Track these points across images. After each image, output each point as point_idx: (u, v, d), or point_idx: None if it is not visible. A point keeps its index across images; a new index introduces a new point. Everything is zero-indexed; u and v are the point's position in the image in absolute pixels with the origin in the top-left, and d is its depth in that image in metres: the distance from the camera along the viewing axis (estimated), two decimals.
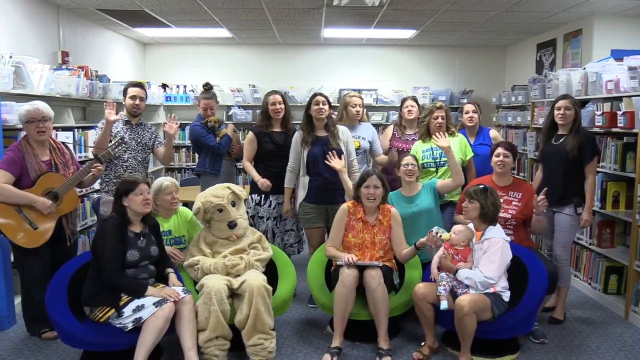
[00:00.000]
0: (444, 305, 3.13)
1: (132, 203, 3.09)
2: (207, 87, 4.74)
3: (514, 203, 3.64)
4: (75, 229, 3.77)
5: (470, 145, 4.26)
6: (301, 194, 4.01)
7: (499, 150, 3.68)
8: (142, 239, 3.14)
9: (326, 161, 3.81)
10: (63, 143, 3.82)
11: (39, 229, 3.40)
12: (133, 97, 4.07)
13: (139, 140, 4.13)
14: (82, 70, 5.20)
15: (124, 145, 3.75)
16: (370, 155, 4.43)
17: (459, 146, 4.09)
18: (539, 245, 4.98)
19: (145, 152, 4.18)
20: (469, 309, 3.02)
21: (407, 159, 3.77)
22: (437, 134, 3.86)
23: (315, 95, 4.01)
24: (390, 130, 4.61)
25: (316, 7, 5.58)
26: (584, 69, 4.73)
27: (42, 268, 3.49)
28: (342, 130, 4.07)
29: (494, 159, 3.69)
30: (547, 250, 4.14)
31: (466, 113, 4.51)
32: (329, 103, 4.03)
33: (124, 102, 4.13)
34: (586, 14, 5.71)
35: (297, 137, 4.03)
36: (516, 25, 6.46)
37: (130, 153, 4.05)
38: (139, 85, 4.19)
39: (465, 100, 7.84)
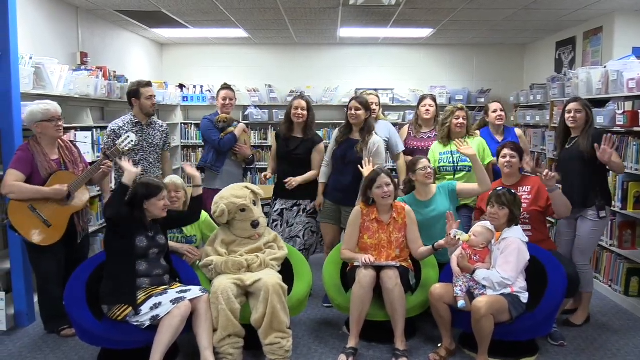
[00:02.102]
0: (461, 303, 3.11)
1: (152, 207, 3.13)
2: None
3: (524, 197, 3.61)
4: (87, 226, 3.80)
5: (498, 143, 4.19)
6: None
7: (505, 151, 3.69)
8: (150, 232, 3.17)
9: (359, 166, 3.79)
10: (71, 141, 3.86)
11: (52, 226, 3.43)
12: (150, 97, 4.12)
13: (150, 142, 4.14)
14: (101, 70, 5.26)
15: (132, 142, 3.78)
16: (390, 154, 4.36)
17: (477, 150, 3.95)
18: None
19: (156, 153, 4.19)
20: (486, 311, 3.00)
21: (425, 162, 3.67)
22: (457, 140, 3.73)
23: (352, 99, 4.04)
24: (405, 130, 4.57)
25: (332, 6, 5.57)
26: (605, 67, 4.66)
27: (56, 266, 3.53)
28: (375, 141, 3.94)
29: (501, 160, 3.70)
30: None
31: (494, 112, 4.41)
32: (366, 107, 3.95)
33: (135, 104, 4.12)
34: (607, 11, 5.61)
35: (335, 133, 4.17)
36: (535, 23, 6.38)
37: (142, 154, 4.06)
38: (150, 84, 4.21)
39: (482, 100, 7.76)
